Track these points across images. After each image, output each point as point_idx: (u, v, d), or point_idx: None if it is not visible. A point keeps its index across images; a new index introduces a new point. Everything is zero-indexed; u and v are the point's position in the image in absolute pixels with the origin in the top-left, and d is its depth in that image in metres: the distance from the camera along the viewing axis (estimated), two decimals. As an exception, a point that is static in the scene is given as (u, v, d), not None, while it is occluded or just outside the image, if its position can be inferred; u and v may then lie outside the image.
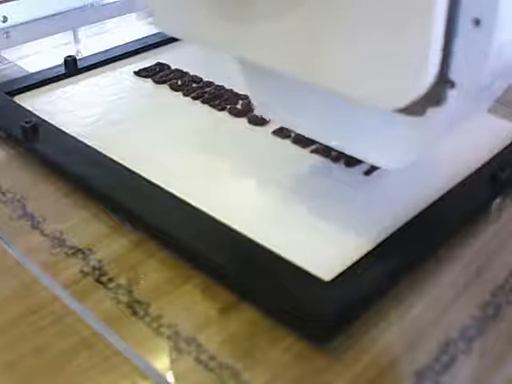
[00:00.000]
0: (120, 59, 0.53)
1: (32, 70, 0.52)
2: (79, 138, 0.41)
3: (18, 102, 0.46)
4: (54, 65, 0.51)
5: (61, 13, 0.64)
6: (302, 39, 0.28)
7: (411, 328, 0.29)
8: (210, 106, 0.46)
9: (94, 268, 0.33)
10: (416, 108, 0.27)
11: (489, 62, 0.25)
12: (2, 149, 0.42)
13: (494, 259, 0.33)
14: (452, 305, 0.31)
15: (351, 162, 0.38)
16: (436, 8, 0.23)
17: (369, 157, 0.32)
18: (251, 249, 0.32)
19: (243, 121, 0.44)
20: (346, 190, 0.37)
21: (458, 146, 0.39)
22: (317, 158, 0.39)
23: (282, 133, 0.42)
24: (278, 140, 0.42)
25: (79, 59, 0.51)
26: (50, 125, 0.42)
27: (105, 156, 0.39)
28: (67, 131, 0.42)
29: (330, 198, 0.36)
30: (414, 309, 0.30)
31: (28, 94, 0.48)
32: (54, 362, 0.28)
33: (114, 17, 0.64)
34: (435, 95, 0.26)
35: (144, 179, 0.37)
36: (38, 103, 0.46)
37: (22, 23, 0.62)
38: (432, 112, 0.27)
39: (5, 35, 0.60)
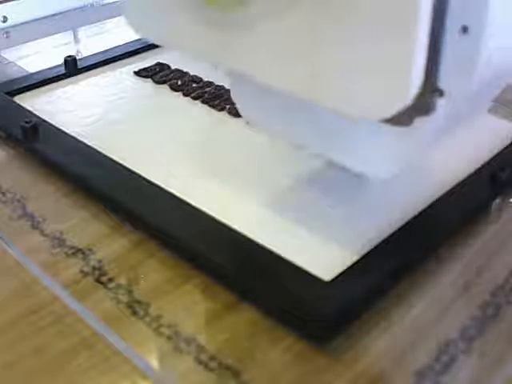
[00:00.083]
0: (120, 59, 0.53)
1: (32, 70, 0.52)
2: (79, 137, 0.41)
3: (18, 101, 0.46)
4: (54, 65, 0.51)
5: (61, 13, 0.64)
6: (293, 49, 0.27)
7: (411, 328, 0.29)
8: (210, 106, 0.46)
9: (94, 268, 0.33)
10: (403, 118, 0.26)
11: (477, 70, 0.25)
12: (2, 149, 0.42)
13: (493, 259, 0.33)
14: (452, 305, 0.31)
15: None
16: (419, 19, 0.23)
17: (356, 167, 0.32)
18: (251, 249, 0.32)
19: (243, 121, 0.44)
20: (347, 190, 0.37)
21: (457, 146, 0.39)
22: (316, 159, 0.39)
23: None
24: (278, 140, 0.42)
25: (79, 59, 0.51)
26: (50, 125, 0.42)
27: (105, 156, 0.39)
28: (67, 131, 0.42)
29: (331, 198, 0.36)
30: (414, 309, 0.30)
31: (28, 94, 0.48)
32: (54, 362, 0.28)
33: (114, 17, 0.63)
34: (423, 104, 0.26)
35: (144, 179, 0.37)
36: (38, 103, 0.46)
37: (22, 23, 0.62)
38: (419, 122, 0.27)
39: (5, 35, 0.60)
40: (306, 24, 0.26)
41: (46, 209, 0.37)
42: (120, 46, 0.54)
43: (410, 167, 0.31)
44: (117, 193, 0.36)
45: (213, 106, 0.46)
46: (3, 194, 0.38)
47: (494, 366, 0.28)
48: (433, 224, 0.34)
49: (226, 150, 0.41)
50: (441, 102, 0.26)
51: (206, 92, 0.47)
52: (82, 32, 0.62)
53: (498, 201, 0.37)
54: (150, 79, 0.50)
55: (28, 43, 0.59)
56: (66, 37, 0.61)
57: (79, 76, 0.50)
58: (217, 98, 0.46)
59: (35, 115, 0.43)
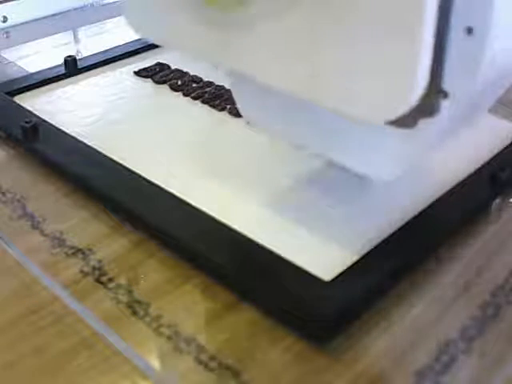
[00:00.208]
0: (120, 59, 0.53)
1: (32, 70, 0.52)
2: (79, 137, 0.41)
3: (18, 101, 0.46)
4: (54, 65, 0.51)
5: (61, 13, 0.64)
6: (293, 49, 0.27)
7: (411, 328, 0.29)
8: (210, 106, 0.46)
9: (94, 268, 0.33)
10: (407, 120, 0.26)
11: (482, 71, 0.25)
12: (2, 149, 0.42)
13: (493, 259, 0.33)
14: (452, 305, 0.31)
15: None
16: (425, 19, 0.23)
17: (359, 168, 0.32)
18: (251, 249, 0.32)
19: (243, 121, 0.44)
20: (347, 190, 0.37)
21: (457, 146, 0.39)
22: (316, 159, 0.39)
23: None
24: (278, 140, 0.42)
25: (79, 59, 0.51)
26: (50, 125, 0.42)
27: (105, 156, 0.39)
28: (67, 131, 0.42)
29: (331, 198, 0.36)
30: (414, 309, 0.30)
31: (28, 94, 0.48)
32: (54, 362, 0.28)
33: (114, 17, 0.63)
34: (428, 106, 0.26)
35: (144, 179, 0.37)
36: (38, 103, 0.46)
37: (22, 23, 0.62)
38: (424, 123, 0.27)
39: (5, 35, 0.60)
40: (307, 24, 0.26)
41: (46, 209, 0.37)
42: (120, 46, 0.54)
43: (410, 167, 0.31)
44: (117, 193, 0.36)
45: (213, 106, 0.46)
46: (3, 193, 0.38)
47: (494, 365, 0.28)
48: (433, 224, 0.34)
49: (226, 150, 0.41)
50: (445, 104, 0.26)
51: (206, 92, 0.47)
52: (82, 32, 0.62)
53: (497, 201, 0.37)
54: (150, 79, 0.50)
55: (28, 43, 0.59)
56: (65, 37, 0.61)
57: (79, 76, 0.50)
58: (217, 98, 0.46)
59: (35, 115, 0.43)
